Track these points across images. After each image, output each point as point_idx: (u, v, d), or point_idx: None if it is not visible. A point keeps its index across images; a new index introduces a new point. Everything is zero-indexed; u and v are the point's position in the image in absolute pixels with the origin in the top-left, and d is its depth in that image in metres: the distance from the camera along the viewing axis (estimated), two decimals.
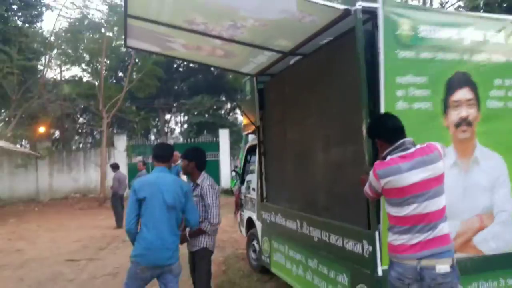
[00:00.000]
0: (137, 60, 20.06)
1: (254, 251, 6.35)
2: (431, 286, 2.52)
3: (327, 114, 3.99)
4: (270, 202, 5.51)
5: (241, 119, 36.87)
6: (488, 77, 3.54)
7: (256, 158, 6.09)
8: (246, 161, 6.94)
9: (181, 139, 28.60)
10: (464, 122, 3.48)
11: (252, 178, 6.35)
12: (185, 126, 38.10)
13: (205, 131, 24.42)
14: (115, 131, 24.56)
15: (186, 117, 37.13)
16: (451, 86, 3.40)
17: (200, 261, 3.90)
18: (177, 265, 3.52)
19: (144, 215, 3.38)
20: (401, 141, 2.68)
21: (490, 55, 3.56)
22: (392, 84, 3.20)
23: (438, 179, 2.61)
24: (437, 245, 2.56)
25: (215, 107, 32.23)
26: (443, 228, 2.60)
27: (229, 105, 35.14)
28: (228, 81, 34.25)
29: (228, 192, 19.25)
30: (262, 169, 5.69)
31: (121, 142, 19.33)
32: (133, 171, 14.92)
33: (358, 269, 3.41)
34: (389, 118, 2.83)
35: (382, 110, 3.15)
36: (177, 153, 9.94)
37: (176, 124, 39.29)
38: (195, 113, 33.77)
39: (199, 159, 4.00)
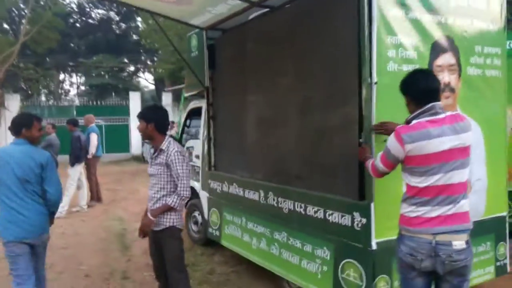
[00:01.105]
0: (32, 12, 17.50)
1: (196, 223, 5.87)
2: (445, 263, 2.34)
3: (308, 74, 3.61)
4: (221, 170, 5.04)
5: (144, 83, 35.14)
6: (469, 43, 3.45)
7: (201, 122, 5.53)
8: (185, 126, 6.32)
9: (76, 101, 26.15)
10: (447, 87, 3.39)
11: (195, 144, 5.80)
12: (82, 88, 35.20)
13: (113, 94, 22.61)
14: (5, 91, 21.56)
15: (83, 78, 34.25)
16: (436, 50, 3.28)
17: (168, 242, 3.32)
18: (46, 238, 3.52)
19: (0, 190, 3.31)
20: (431, 104, 2.39)
21: (472, 20, 3.47)
22: (384, 43, 2.96)
23: (465, 150, 2.39)
24: (457, 222, 2.37)
25: (116, 68, 30.15)
26: (464, 204, 2.41)
27: (132, 67, 33.13)
28: (131, 41, 32.15)
29: (138, 158, 18.20)
30: (211, 135, 5.17)
31: (14, 102, 16.97)
32: None
33: (344, 243, 3.17)
34: (424, 76, 2.50)
35: (375, 70, 2.91)
36: (90, 116, 8.93)
37: (71, 85, 36.01)
38: (93, 74, 31.27)
39: (159, 119, 3.34)
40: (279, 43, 3.93)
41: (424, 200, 2.37)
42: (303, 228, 3.60)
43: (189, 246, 5.77)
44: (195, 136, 5.90)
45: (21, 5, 23.41)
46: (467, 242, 2.37)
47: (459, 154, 2.36)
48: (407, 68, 3.04)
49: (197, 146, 5.66)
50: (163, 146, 3.29)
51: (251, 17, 4.58)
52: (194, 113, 6.07)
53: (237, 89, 4.67)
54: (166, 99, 19.48)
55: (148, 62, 32.61)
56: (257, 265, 4.30)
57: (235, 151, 4.76)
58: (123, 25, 33.01)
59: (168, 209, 3.24)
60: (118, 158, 17.65)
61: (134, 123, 18.93)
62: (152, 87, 33.61)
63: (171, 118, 19.88)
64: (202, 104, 5.56)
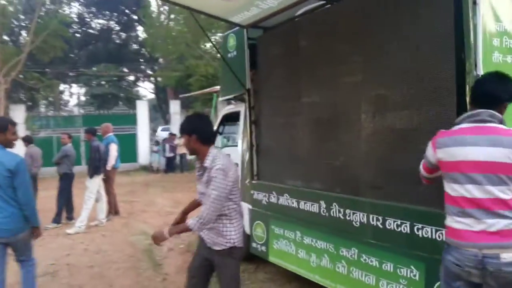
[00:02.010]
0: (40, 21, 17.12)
1: None
2: (495, 276, 2.11)
3: (384, 70, 3.21)
4: (266, 180, 4.63)
5: (143, 92, 34.73)
6: None
7: (239, 128, 5.12)
8: (218, 133, 5.91)
9: (75, 111, 25.70)
10: None
11: (231, 152, 5.37)
12: (82, 97, 34.76)
13: (119, 103, 22.23)
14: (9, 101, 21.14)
15: (83, 89, 33.85)
16: None
17: (227, 262, 2.90)
18: (22, 237, 3.60)
19: None
20: (478, 110, 2.22)
21: None
22: (489, 31, 2.59)
23: (502, 166, 2.12)
24: (501, 240, 2.11)
25: (115, 78, 29.83)
26: (502, 224, 2.11)
27: (132, 77, 32.79)
28: (132, 50, 31.87)
29: (146, 168, 17.77)
30: (253, 141, 4.76)
31: (19, 113, 16.52)
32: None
33: (439, 261, 2.75)
34: (488, 79, 2.30)
35: (480, 62, 2.54)
36: (108, 125, 8.51)
37: (70, 96, 35.56)
38: (93, 83, 30.91)
39: (201, 130, 2.86)
40: (345, 37, 3.54)
41: (458, 210, 2.22)
42: (381, 244, 3.18)
43: None
44: (231, 143, 5.49)
45: (21, 16, 23.15)
46: None
47: (496, 169, 2.13)
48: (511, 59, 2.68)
49: (235, 154, 5.25)
50: (207, 163, 2.82)
51: (298, 12, 4.21)
52: (229, 119, 5.67)
53: (287, 90, 4.28)
54: (174, 108, 19.09)
55: (148, 71, 32.34)
56: (310, 282, 3.89)
57: (285, 159, 4.35)
58: (123, 35, 32.79)
59: (186, 229, 2.79)
60: (126, 168, 17.14)
61: (141, 132, 18.55)
62: (152, 96, 33.30)
63: (177, 126, 19.61)
64: (240, 108, 5.16)
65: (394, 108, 3.15)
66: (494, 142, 2.14)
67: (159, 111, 30.90)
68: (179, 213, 3.20)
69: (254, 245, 4.75)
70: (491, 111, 2.21)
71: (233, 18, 4.53)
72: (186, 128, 2.87)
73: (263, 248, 4.58)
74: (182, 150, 16.22)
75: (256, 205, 4.70)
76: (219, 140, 5.89)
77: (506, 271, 2.09)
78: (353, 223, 3.43)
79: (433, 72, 2.85)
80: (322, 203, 3.74)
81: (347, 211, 3.48)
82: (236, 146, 5.23)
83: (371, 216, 3.26)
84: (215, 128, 5.87)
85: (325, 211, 3.72)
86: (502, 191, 2.13)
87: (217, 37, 20.18)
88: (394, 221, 3.07)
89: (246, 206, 4.97)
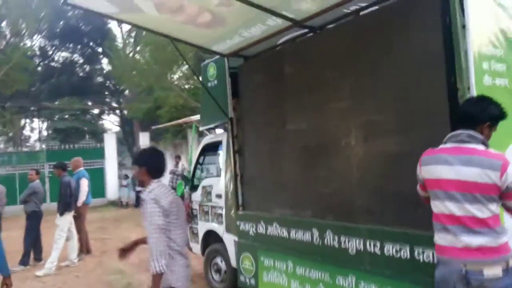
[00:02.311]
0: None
1: (218, 271, 5.23)
2: None
3: (372, 95, 3.23)
4: (251, 209, 4.52)
5: (108, 125, 34.08)
6: None
7: (221, 158, 5.02)
8: (198, 163, 5.78)
9: (37, 147, 24.84)
10: None
11: (213, 183, 5.25)
12: (44, 132, 33.63)
13: (86, 136, 21.62)
14: None
15: (45, 123, 32.83)
16: None
17: None
18: None
19: None
20: (458, 131, 2.32)
21: None
22: (479, 55, 2.66)
23: (481, 187, 2.18)
24: (483, 256, 2.18)
25: (78, 112, 29.19)
26: (489, 241, 2.18)
27: (96, 110, 32.17)
28: (95, 83, 31.38)
29: (115, 204, 17.18)
30: (237, 171, 4.66)
31: None
32: None
33: None
34: (467, 101, 2.44)
35: (473, 85, 2.59)
36: (79, 159, 8.19)
37: (31, 131, 34.34)
38: (56, 117, 30.08)
39: (151, 163, 2.89)
40: (332, 64, 3.57)
41: (441, 226, 2.30)
42: (380, 270, 3.12)
43: None
44: (213, 174, 5.37)
45: None
46: (505, 270, 2.16)
47: (471, 188, 2.20)
48: (499, 82, 2.76)
49: (218, 184, 5.13)
50: (144, 195, 2.78)
51: (280, 41, 4.24)
52: (210, 149, 5.57)
53: (271, 118, 4.25)
54: (144, 140, 18.73)
55: (114, 104, 31.85)
56: None
57: (271, 187, 4.27)
58: (87, 67, 32.29)
59: (157, 277, 2.62)
60: (94, 203, 16.48)
61: (109, 166, 18.03)
62: (117, 129, 32.73)
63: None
64: (222, 137, 5.08)
65: (385, 133, 3.15)
66: (469, 162, 2.21)
67: (125, 144, 30.34)
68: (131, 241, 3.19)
69: (242, 278, 4.57)
70: (470, 131, 2.29)
71: (213, 47, 4.51)
72: (138, 160, 2.97)
73: (252, 281, 4.42)
74: None
75: (242, 236, 4.56)
76: (199, 171, 5.76)
77: (488, 287, 2.13)
78: (349, 250, 3.36)
79: (424, 96, 2.88)
80: (315, 231, 3.66)
81: (342, 238, 3.41)
82: (219, 176, 5.10)
83: (368, 242, 3.20)
84: (194, 158, 5.75)
85: (318, 239, 3.63)
86: (479, 209, 2.18)
87: (184, 69, 20.22)
88: (392, 246, 3.02)
89: (231, 238, 4.82)
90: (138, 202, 16.30)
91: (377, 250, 3.13)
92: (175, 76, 21.87)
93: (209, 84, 5.09)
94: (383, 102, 3.16)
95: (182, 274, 2.82)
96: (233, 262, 4.84)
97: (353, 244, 3.32)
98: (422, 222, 2.84)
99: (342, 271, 3.42)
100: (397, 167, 3.07)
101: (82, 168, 8.06)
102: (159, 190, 2.78)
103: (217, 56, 4.92)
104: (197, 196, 5.57)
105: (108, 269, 6.90)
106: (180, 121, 9.58)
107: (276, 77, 4.17)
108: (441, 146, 2.38)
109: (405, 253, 2.94)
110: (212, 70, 5.04)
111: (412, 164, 2.94)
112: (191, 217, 5.66)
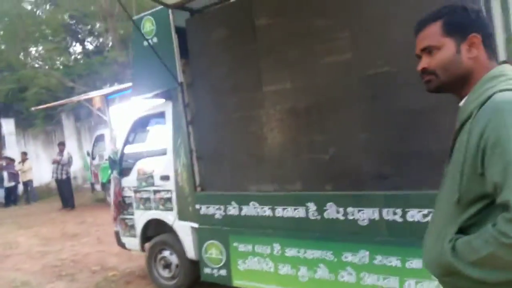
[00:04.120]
0: None
1: (167, 266, 4.43)
2: None
3: (384, 45, 2.84)
4: (214, 189, 3.86)
5: None
6: None
7: (169, 132, 4.19)
8: (128, 142, 4.80)
9: None
10: None
11: (155, 163, 4.39)
12: None
13: None
14: None
15: None
16: None
17: None
18: None
19: None
20: None
21: None
22: None
23: None
24: None
25: None
26: None
27: None
28: None
29: None
30: (192, 145, 3.93)
31: None
32: None
33: None
34: None
35: None
36: None
37: None
38: None
39: None
40: (324, 10, 3.07)
41: None
42: (403, 240, 2.80)
43: None
44: (154, 152, 4.50)
45: None
46: None
47: None
48: None
49: (162, 164, 4.29)
50: None
51: None
52: (145, 123, 4.66)
53: (240, 80, 3.61)
54: (8, 127, 15.96)
55: None
56: None
57: (244, 161, 3.66)
58: None
59: None
60: None
61: None
62: None
63: (14, 149, 16.44)
64: (164, 108, 4.24)
65: (396, 86, 2.80)
66: None
67: None
68: None
69: (207, 270, 3.90)
70: None
71: None
72: None
73: (222, 272, 3.79)
74: (27, 176, 13.62)
75: (205, 222, 3.87)
76: (130, 149, 4.80)
77: None
78: (359, 222, 2.97)
79: None
80: (311, 205, 3.19)
81: (349, 209, 3.01)
82: (163, 154, 4.27)
83: (385, 211, 2.85)
84: (124, 137, 4.78)
85: (315, 214, 3.17)
86: None
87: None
88: (419, 212, 2.72)
89: (187, 226, 4.10)
90: (8, 200, 13.94)
91: (398, 218, 2.80)
92: (37, 52, 19.12)
93: (145, 43, 4.18)
94: (397, 51, 2.79)
95: None
96: (190, 254, 4.12)
97: (365, 215, 2.94)
98: None
99: (352, 247, 3.03)
100: (413, 123, 2.76)
101: None
102: None
103: (155, 9, 4.06)
104: (130, 181, 4.64)
105: (6, 282, 5.50)
106: (63, 101, 8.12)
107: (243, 31, 3.53)
108: None
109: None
110: (149, 25, 4.14)
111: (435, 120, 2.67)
112: (122, 206, 4.72)
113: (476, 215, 1.19)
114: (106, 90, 10.89)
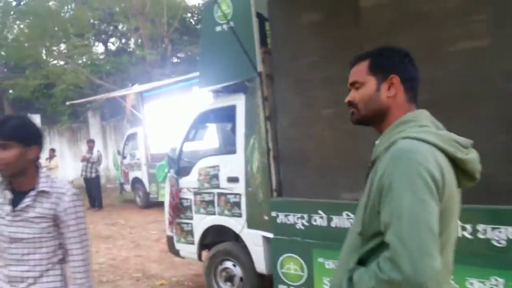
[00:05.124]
0: None
1: (230, 279, 3.96)
2: None
3: None
4: (294, 195, 3.38)
5: None
6: None
7: (239, 129, 3.74)
8: (188, 139, 4.36)
9: None
10: None
11: (221, 162, 3.93)
12: None
13: None
14: None
15: None
16: None
17: None
18: None
19: None
20: None
21: None
22: None
23: None
24: None
25: None
26: None
27: None
28: None
29: None
30: (269, 144, 3.46)
31: None
32: None
33: None
34: None
35: None
36: None
37: None
38: None
39: (41, 142, 1.83)
40: None
41: None
42: None
43: None
44: (220, 151, 4.05)
45: None
46: None
47: None
48: None
49: (230, 164, 3.83)
50: (45, 184, 1.76)
51: None
52: (210, 119, 4.22)
53: (334, 71, 3.12)
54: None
55: None
56: None
57: (332, 164, 3.17)
58: None
59: None
60: None
61: None
62: None
63: (45, 146, 16.24)
64: (236, 101, 3.79)
65: None
66: None
67: None
68: None
69: (282, 287, 3.42)
70: None
71: None
72: (24, 137, 1.72)
73: None
74: (53, 173, 13.33)
75: (282, 232, 3.39)
76: (192, 148, 4.37)
77: None
78: (493, 242, 2.46)
79: None
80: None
81: (480, 226, 2.50)
82: (232, 153, 3.82)
83: None
84: (185, 134, 4.34)
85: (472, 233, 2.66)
86: None
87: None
88: None
89: (257, 235, 3.62)
90: None
91: None
92: (65, 48, 18.97)
93: (217, 29, 3.76)
94: None
95: None
96: (260, 267, 3.65)
97: (502, 234, 2.43)
98: None
99: (480, 272, 2.52)
100: None
101: None
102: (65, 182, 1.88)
103: None
104: (189, 181, 4.19)
105: None
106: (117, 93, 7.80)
107: (343, 14, 3.07)
108: None
109: None
110: (224, 8, 3.70)
111: None
112: (179, 209, 4.26)
113: (375, 248, 1.25)
114: (142, 87, 10.54)
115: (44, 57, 19.11)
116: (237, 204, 3.79)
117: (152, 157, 10.00)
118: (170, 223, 4.34)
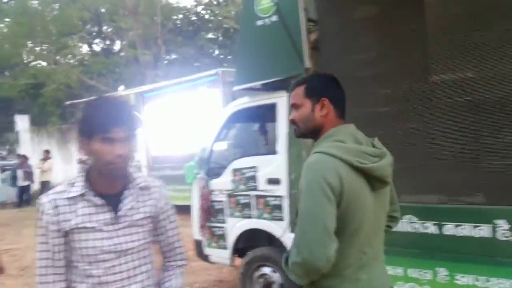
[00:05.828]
0: None
1: (268, 286, 3.76)
2: None
3: None
4: None
5: None
6: None
7: (281, 128, 3.55)
8: (219, 138, 4.15)
9: None
10: None
11: (260, 163, 3.72)
12: None
13: None
14: None
15: None
16: None
17: None
18: None
19: None
20: None
21: None
22: None
23: None
24: None
25: None
26: None
27: None
28: None
29: None
30: None
31: None
32: None
33: None
34: None
35: None
36: None
37: None
38: None
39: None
40: None
41: None
42: None
43: None
44: (259, 151, 3.86)
45: None
46: None
47: None
48: None
49: (270, 165, 3.64)
50: (142, 179, 1.58)
51: None
52: (246, 117, 4.02)
53: (393, 67, 3.00)
54: (23, 124, 15.23)
55: None
56: None
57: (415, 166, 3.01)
58: None
59: None
60: None
61: None
62: None
63: (28, 146, 15.68)
64: (277, 99, 3.61)
65: None
66: None
67: None
68: None
69: None
70: None
71: None
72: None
73: None
74: (46, 176, 12.87)
75: None
76: (224, 148, 4.16)
77: None
78: None
79: None
80: (501, 222, 2.55)
81: None
82: (274, 154, 3.63)
83: None
84: (215, 134, 4.13)
85: (508, 234, 2.53)
86: None
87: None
88: None
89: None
90: (21, 200, 13.21)
91: None
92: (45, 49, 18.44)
93: (259, 23, 3.58)
94: None
95: None
96: None
97: None
98: None
99: None
100: None
101: None
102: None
103: None
104: (222, 183, 3.98)
105: None
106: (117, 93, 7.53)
107: (405, 6, 2.93)
108: None
109: None
110: (266, 1, 3.52)
111: None
112: (211, 213, 4.05)
113: None
114: (143, 87, 10.25)
115: (26, 58, 18.55)
116: (278, 207, 3.60)
117: (155, 160, 9.72)
118: (202, 226, 4.11)
